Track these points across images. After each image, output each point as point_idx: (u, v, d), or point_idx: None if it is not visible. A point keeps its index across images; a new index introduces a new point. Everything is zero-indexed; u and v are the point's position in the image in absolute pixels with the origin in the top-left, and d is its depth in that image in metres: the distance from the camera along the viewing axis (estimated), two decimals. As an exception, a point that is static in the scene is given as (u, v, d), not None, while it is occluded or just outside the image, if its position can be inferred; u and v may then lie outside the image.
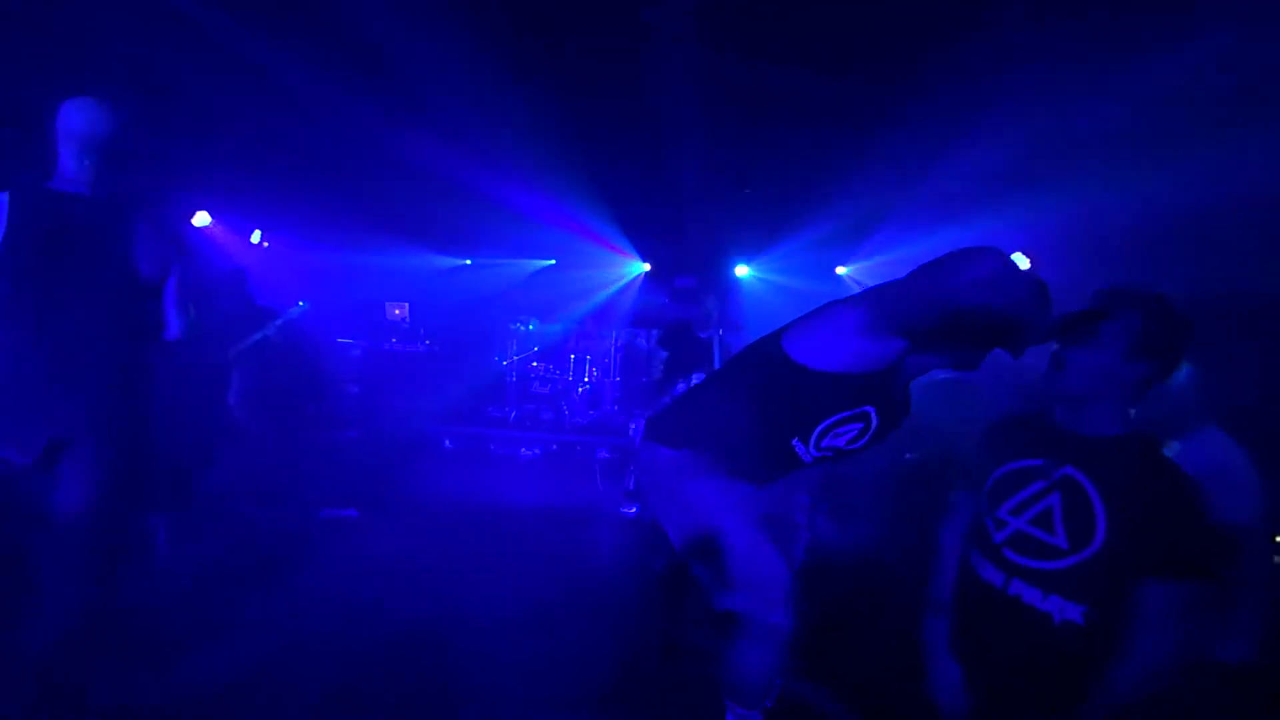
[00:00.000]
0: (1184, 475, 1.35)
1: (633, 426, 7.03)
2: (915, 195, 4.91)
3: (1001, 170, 4.05)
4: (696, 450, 1.63)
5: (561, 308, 8.35)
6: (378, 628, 2.66)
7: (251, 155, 4.99)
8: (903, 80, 3.54)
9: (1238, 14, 2.57)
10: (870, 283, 1.76)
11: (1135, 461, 1.37)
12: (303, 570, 3.19)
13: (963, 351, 1.59)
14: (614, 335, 8.39)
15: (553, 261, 8.46)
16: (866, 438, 1.60)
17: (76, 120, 1.86)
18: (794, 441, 1.59)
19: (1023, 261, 5.37)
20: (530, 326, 8.41)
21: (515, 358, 8.29)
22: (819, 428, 1.56)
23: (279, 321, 4.76)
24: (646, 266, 8.17)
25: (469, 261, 8.60)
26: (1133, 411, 1.94)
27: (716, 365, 4.14)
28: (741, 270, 7.70)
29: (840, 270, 7.25)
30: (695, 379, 4.12)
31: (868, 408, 1.55)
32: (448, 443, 6.83)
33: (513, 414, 7.51)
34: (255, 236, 6.53)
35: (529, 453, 6.80)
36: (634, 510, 4.51)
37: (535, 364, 8.14)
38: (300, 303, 5.81)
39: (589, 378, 8.19)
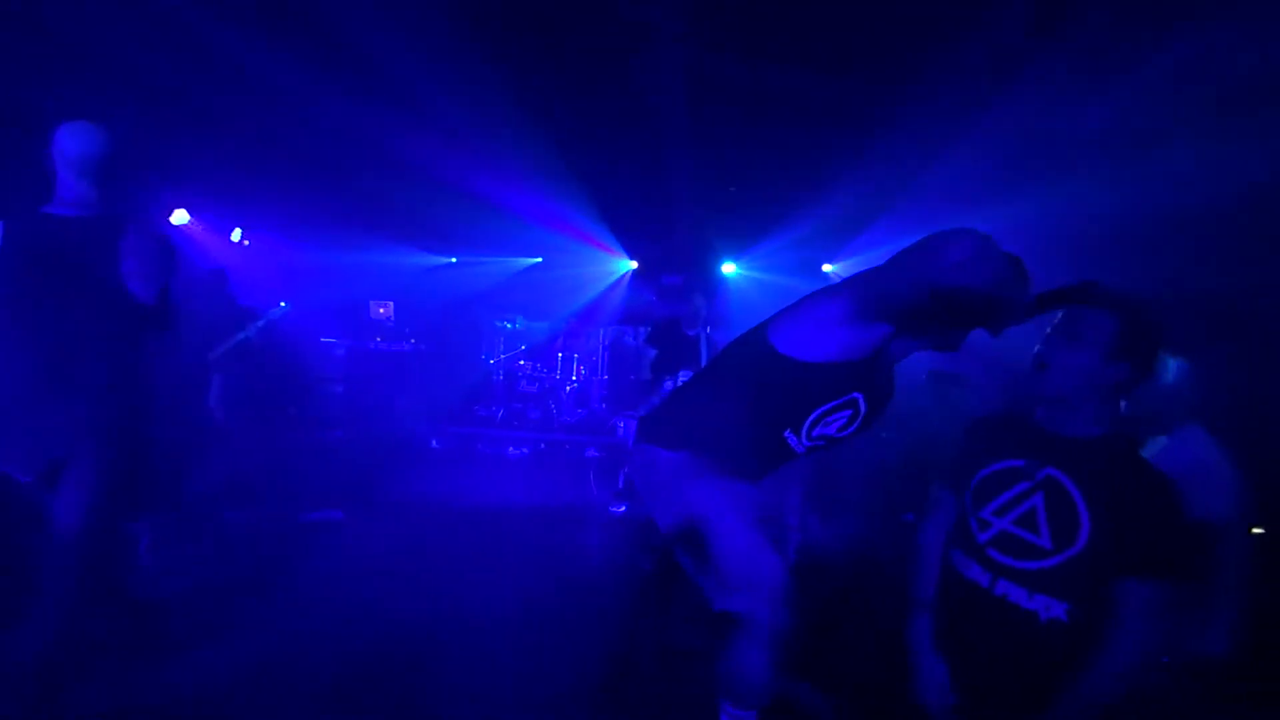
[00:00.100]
0: (1162, 476, 1.38)
1: (620, 425, 7.03)
2: (903, 193, 4.94)
3: (991, 169, 4.08)
4: (693, 451, 1.63)
5: (548, 306, 8.32)
6: (366, 630, 2.64)
7: (231, 151, 4.91)
8: (892, 79, 3.55)
9: (1223, 14, 2.60)
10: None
11: (1116, 463, 1.39)
12: (288, 574, 3.15)
13: (945, 332, 1.60)
14: (601, 333, 8.37)
15: (539, 259, 8.42)
16: (856, 424, 1.63)
17: (72, 144, 1.91)
18: (786, 433, 1.60)
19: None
20: (517, 324, 8.37)
21: (502, 356, 8.25)
22: (810, 418, 1.58)
23: (260, 322, 4.70)
24: (634, 264, 8.15)
25: (454, 259, 8.53)
26: (1123, 403, 1.99)
27: (704, 363, 4.14)
28: (729, 268, 7.72)
29: (827, 268, 7.29)
30: (683, 377, 4.13)
31: (856, 395, 1.58)
32: (435, 442, 6.77)
33: (500, 413, 7.47)
34: (235, 235, 6.43)
35: (517, 452, 6.77)
36: (623, 509, 4.51)
37: (522, 362, 8.11)
38: (282, 303, 5.74)
39: (576, 376, 8.17)
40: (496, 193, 6.01)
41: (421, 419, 7.04)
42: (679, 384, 3.91)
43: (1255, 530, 2.09)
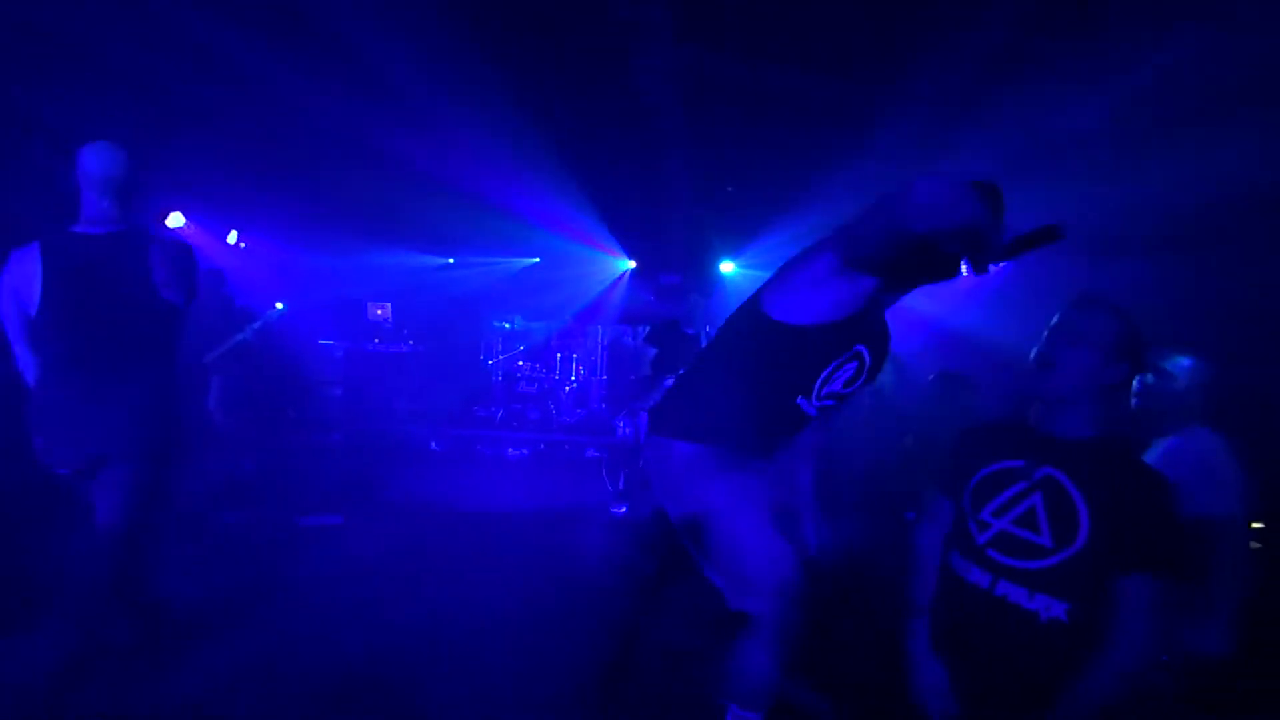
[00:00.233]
0: (1160, 476, 1.40)
1: (620, 425, 7.02)
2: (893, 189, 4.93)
3: (990, 168, 4.07)
4: (709, 443, 1.62)
5: (547, 306, 8.30)
6: (365, 633, 2.63)
7: (227, 153, 4.89)
8: (889, 77, 3.55)
9: (1219, 13, 2.59)
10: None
11: (1113, 462, 1.40)
12: (287, 577, 3.15)
13: (931, 272, 1.60)
14: (600, 333, 8.36)
15: (537, 260, 8.40)
16: (863, 376, 1.65)
17: (94, 164, 2.04)
18: (799, 400, 1.61)
19: (1004, 256, 5.43)
20: (515, 324, 8.35)
21: (501, 357, 8.24)
22: (820, 379, 1.59)
23: (258, 324, 4.68)
24: (632, 264, 8.14)
25: (451, 260, 8.51)
26: (1134, 402, 1.98)
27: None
28: (727, 266, 7.71)
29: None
30: (682, 376, 4.10)
31: (859, 347, 1.59)
32: (434, 444, 6.76)
33: (499, 414, 7.46)
34: (232, 237, 6.40)
35: (517, 453, 6.76)
36: (623, 510, 4.50)
37: (521, 363, 8.09)
38: (278, 304, 5.72)
39: (575, 376, 8.16)
40: (494, 193, 6.00)
41: (420, 420, 7.03)
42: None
43: (1256, 526, 2.10)
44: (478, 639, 2.64)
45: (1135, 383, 1.99)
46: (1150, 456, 1.95)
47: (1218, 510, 1.86)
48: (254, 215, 6.44)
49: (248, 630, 2.56)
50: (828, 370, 1.59)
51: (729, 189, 5.84)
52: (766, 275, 1.69)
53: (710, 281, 6.83)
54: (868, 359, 1.62)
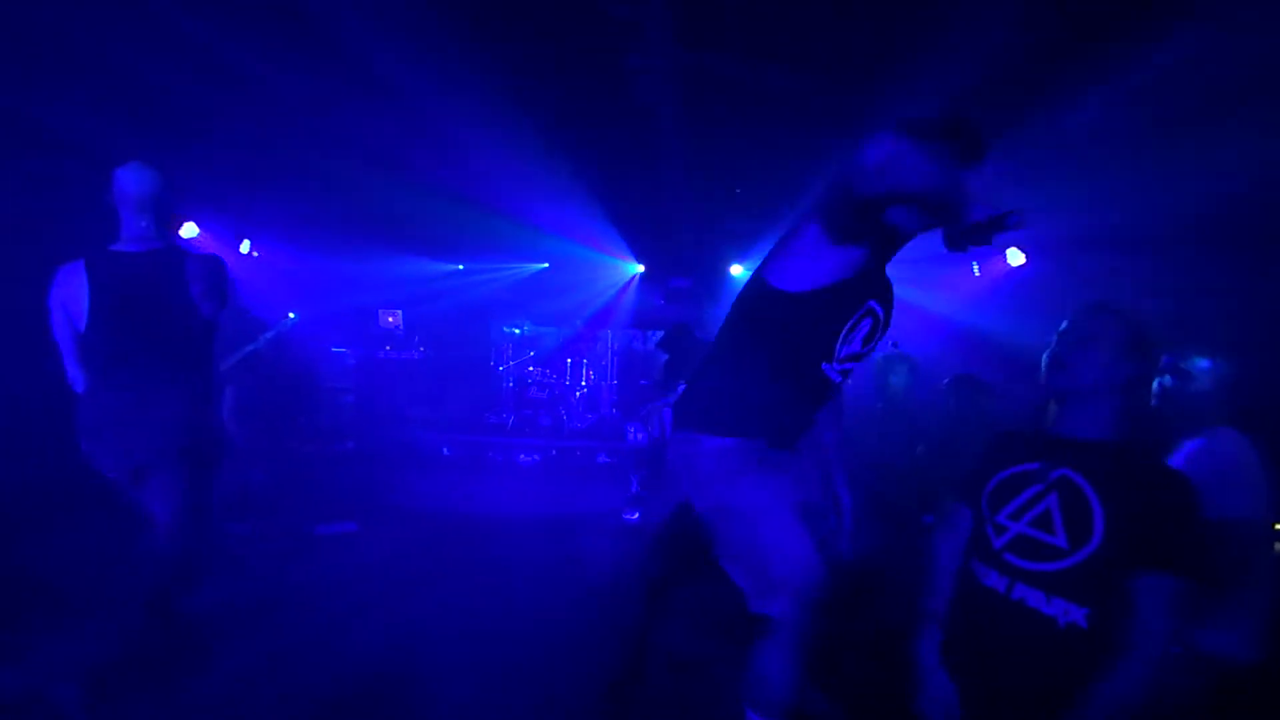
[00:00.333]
0: (1178, 474, 1.39)
1: (631, 430, 7.01)
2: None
3: (993, 167, 4.04)
4: (737, 435, 1.60)
5: (556, 311, 8.31)
6: (379, 642, 2.63)
7: (238, 163, 4.93)
8: (897, 78, 3.52)
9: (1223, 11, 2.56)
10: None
11: (1128, 461, 1.39)
12: (302, 585, 3.15)
13: (920, 223, 1.57)
14: (610, 337, 8.36)
15: (546, 265, 8.41)
16: (878, 331, 1.65)
17: (130, 184, 2.15)
18: (823, 366, 1.61)
19: (1017, 257, 5.39)
20: (525, 329, 8.36)
21: (511, 363, 8.25)
22: (838, 341, 1.59)
23: (270, 334, 4.71)
24: (641, 268, 8.13)
25: (461, 266, 8.54)
26: (1155, 403, 1.95)
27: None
28: (736, 269, 7.69)
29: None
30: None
31: (871, 303, 1.60)
32: (446, 450, 6.78)
33: (510, 420, 7.47)
34: (244, 246, 6.45)
35: (528, 459, 6.76)
36: (636, 516, 4.49)
37: (532, 368, 8.10)
38: (291, 314, 5.75)
39: (586, 381, 8.15)
40: (503, 199, 6.01)
41: (432, 427, 7.05)
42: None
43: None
44: (490, 646, 2.64)
45: (1154, 385, 1.98)
46: (1174, 459, 1.92)
47: (1244, 513, 1.82)
48: (266, 224, 6.49)
49: (263, 639, 2.57)
50: (845, 330, 1.59)
51: (737, 191, 5.82)
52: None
53: (720, 285, 6.80)
54: (880, 313, 1.63)
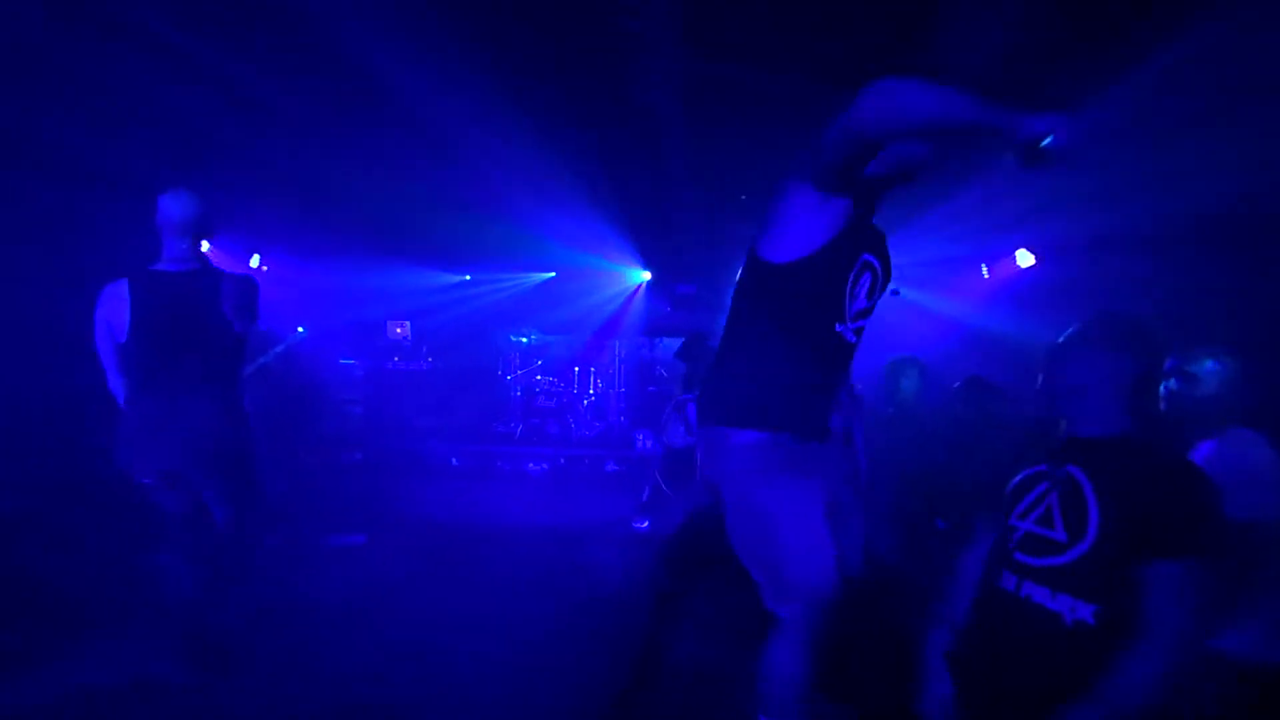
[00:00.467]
0: (1176, 461, 1.39)
1: (639, 438, 7.00)
2: (915, 194, 4.89)
3: (999, 168, 4.02)
4: (764, 428, 1.58)
5: (563, 320, 8.33)
6: (388, 654, 2.61)
7: (247, 179, 4.97)
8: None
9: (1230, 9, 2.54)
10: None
11: (1129, 454, 1.40)
12: (312, 598, 3.14)
13: (908, 156, 1.61)
14: (617, 345, 8.36)
15: (553, 274, 8.43)
16: (879, 284, 1.66)
17: (173, 209, 2.31)
18: (838, 328, 1.61)
19: (1027, 259, 5.36)
20: (532, 338, 8.38)
21: (519, 372, 8.27)
22: (845, 299, 1.59)
23: (280, 348, 4.74)
24: (648, 275, 8.14)
25: (468, 277, 8.58)
26: (1162, 407, 1.94)
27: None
28: (742, 275, 7.68)
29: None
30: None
31: (866, 256, 1.61)
32: (455, 460, 6.78)
33: (518, 429, 7.47)
34: (254, 261, 6.50)
35: (537, 468, 6.76)
36: (646, 524, 4.47)
37: (539, 377, 8.11)
38: (300, 328, 5.80)
39: (594, 389, 8.15)
40: (509, 208, 6.04)
41: (440, 437, 7.06)
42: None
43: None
44: (500, 655, 2.62)
45: (1161, 389, 1.97)
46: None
47: (1262, 514, 1.80)
48: (275, 239, 6.55)
49: (272, 648, 2.57)
50: (848, 287, 1.59)
51: (743, 197, 5.82)
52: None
53: (726, 291, 6.79)
54: (877, 265, 1.64)
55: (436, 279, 8.38)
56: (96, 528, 3.26)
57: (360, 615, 2.99)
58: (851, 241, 1.57)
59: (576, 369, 8.14)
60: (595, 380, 8.21)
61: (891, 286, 1.75)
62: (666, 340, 8.17)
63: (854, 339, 1.66)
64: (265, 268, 6.67)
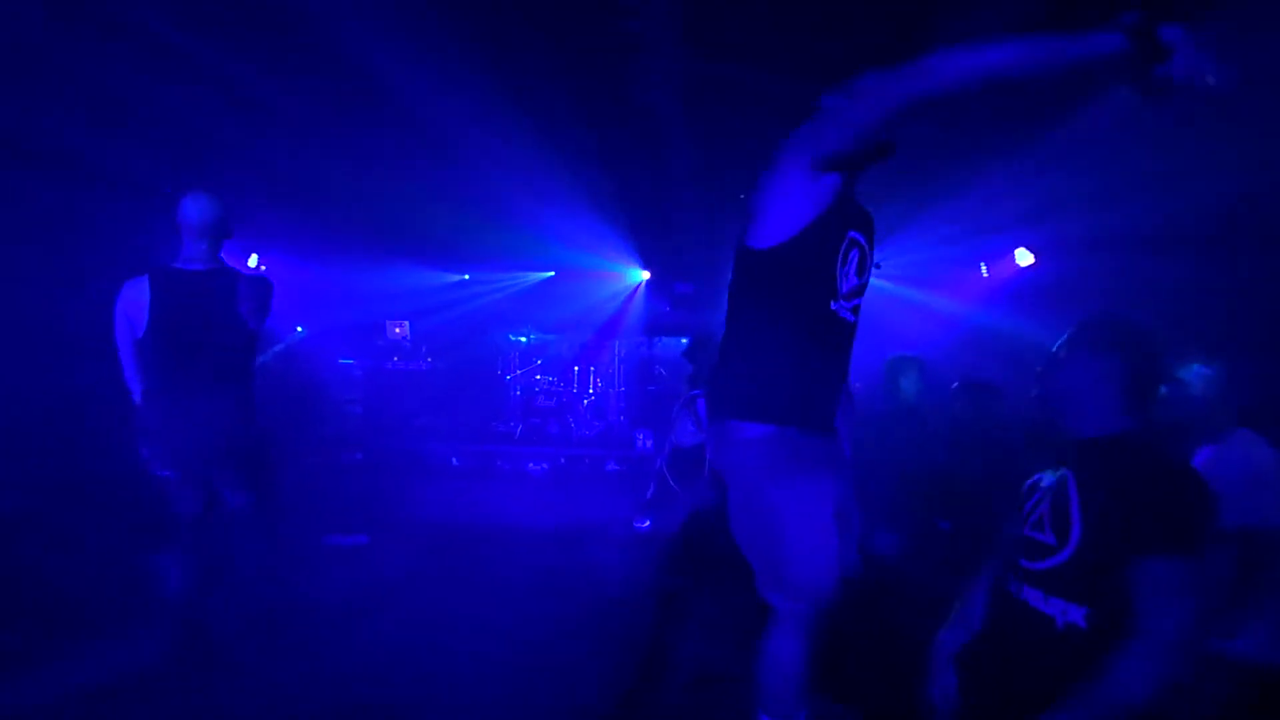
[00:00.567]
0: (1163, 459, 1.37)
1: (639, 437, 7.00)
2: (915, 195, 4.89)
3: (1003, 169, 4.02)
4: (774, 422, 1.58)
5: (562, 319, 8.32)
6: (389, 656, 2.61)
7: (247, 179, 4.97)
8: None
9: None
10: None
11: (1120, 454, 1.39)
12: (314, 599, 3.13)
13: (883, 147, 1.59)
14: (616, 345, 8.36)
15: (551, 273, 8.43)
16: (867, 261, 1.68)
17: (193, 212, 2.40)
18: (833, 305, 1.61)
19: (1026, 258, 5.36)
20: (531, 337, 8.37)
21: (518, 371, 8.26)
22: (837, 276, 1.59)
23: (279, 348, 4.74)
24: (646, 274, 8.14)
25: (467, 276, 8.57)
26: (1160, 408, 1.93)
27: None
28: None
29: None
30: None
31: (852, 233, 1.61)
32: (455, 460, 6.77)
33: (518, 429, 7.47)
34: (252, 260, 6.49)
35: (537, 467, 6.75)
36: (647, 524, 4.46)
37: (539, 377, 8.10)
38: (299, 328, 5.79)
39: (593, 389, 8.15)
40: (508, 208, 6.03)
41: (440, 437, 7.05)
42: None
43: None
44: (501, 657, 2.62)
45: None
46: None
47: (1267, 517, 1.79)
48: (273, 238, 6.54)
49: (274, 649, 2.56)
50: (838, 263, 1.59)
51: (742, 196, 5.82)
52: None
53: (724, 290, 6.78)
54: (863, 241, 1.65)
55: (436, 279, 8.37)
56: (96, 528, 3.26)
57: (360, 615, 2.98)
58: (838, 218, 1.57)
59: (576, 368, 8.13)
60: (595, 380, 8.21)
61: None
62: (666, 339, 8.17)
63: (852, 318, 1.67)
64: (263, 267, 6.66)
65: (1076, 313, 1.54)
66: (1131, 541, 1.28)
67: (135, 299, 2.36)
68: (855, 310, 1.67)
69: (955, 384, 3.31)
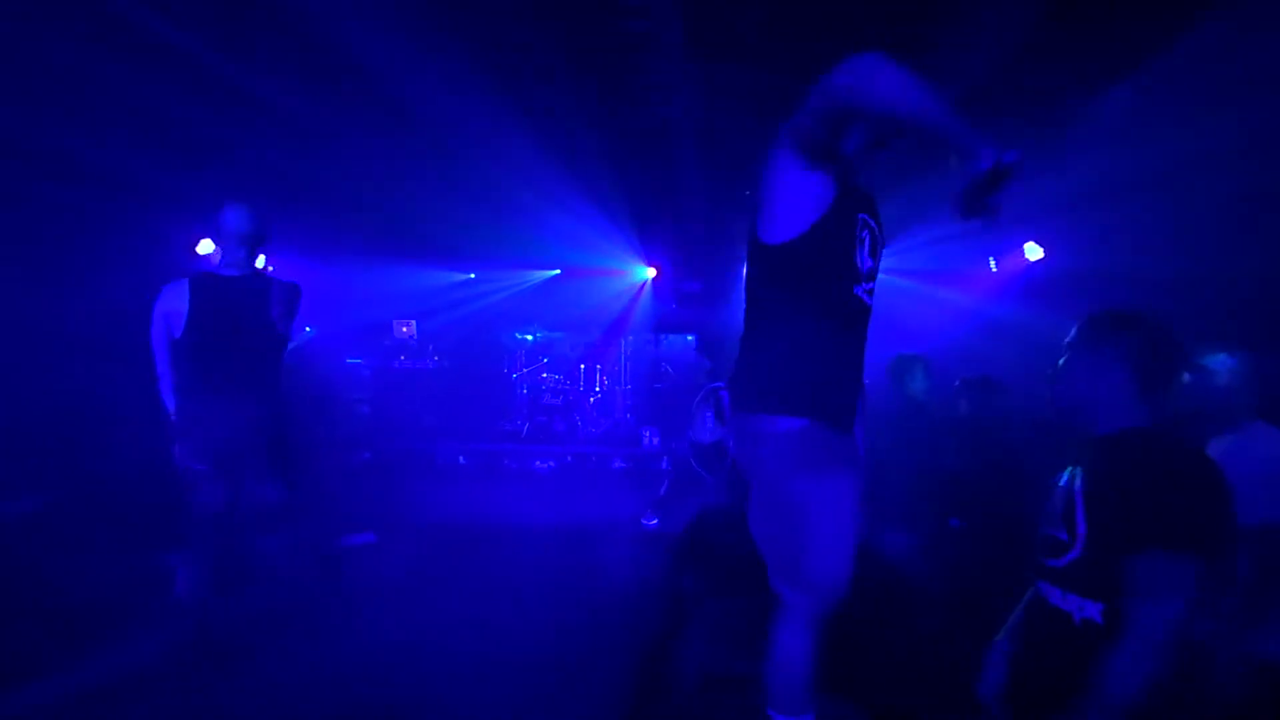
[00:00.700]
0: (1161, 450, 1.34)
1: (646, 435, 6.97)
2: (921, 192, 4.83)
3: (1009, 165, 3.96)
4: (798, 415, 1.57)
5: (568, 317, 8.31)
6: (396, 655, 2.60)
7: (252, 179, 4.98)
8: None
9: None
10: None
11: (1128, 448, 1.37)
12: (323, 599, 3.13)
13: (879, 138, 1.61)
14: (623, 343, 8.34)
15: (557, 271, 8.42)
16: (878, 243, 1.69)
17: (233, 221, 2.56)
18: (855, 289, 1.61)
19: (1035, 252, 5.28)
20: (538, 335, 8.36)
21: (525, 370, 8.26)
22: (855, 259, 1.60)
23: (290, 346, 4.74)
24: (653, 272, 8.11)
25: (473, 275, 8.57)
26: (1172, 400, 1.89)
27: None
28: (749, 271, 7.63)
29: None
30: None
31: (861, 215, 1.62)
32: (462, 459, 6.78)
33: (525, 427, 7.46)
34: (259, 262, 6.50)
35: (544, 466, 6.75)
36: (655, 522, 4.44)
37: (545, 375, 8.10)
38: (306, 328, 5.79)
39: (600, 387, 8.14)
40: (514, 208, 6.03)
41: (448, 436, 7.06)
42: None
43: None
44: (505, 658, 2.60)
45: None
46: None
47: (1283, 512, 1.74)
48: (281, 239, 6.55)
49: (283, 649, 2.56)
50: (855, 248, 1.60)
51: (748, 193, 5.79)
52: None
53: (731, 287, 6.75)
54: (873, 224, 1.66)
55: (442, 278, 8.38)
56: (97, 528, 3.27)
57: (363, 615, 2.98)
58: (846, 202, 1.58)
59: (583, 366, 8.12)
60: (601, 378, 8.20)
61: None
62: (673, 337, 8.15)
63: (870, 300, 1.68)
64: (270, 268, 6.68)
65: (1086, 307, 1.51)
66: (1129, 536, 1.28)
67: (175, 301, 2.50)
68: (871, 293, 1.68)
69: (957, 382, 3.26)
